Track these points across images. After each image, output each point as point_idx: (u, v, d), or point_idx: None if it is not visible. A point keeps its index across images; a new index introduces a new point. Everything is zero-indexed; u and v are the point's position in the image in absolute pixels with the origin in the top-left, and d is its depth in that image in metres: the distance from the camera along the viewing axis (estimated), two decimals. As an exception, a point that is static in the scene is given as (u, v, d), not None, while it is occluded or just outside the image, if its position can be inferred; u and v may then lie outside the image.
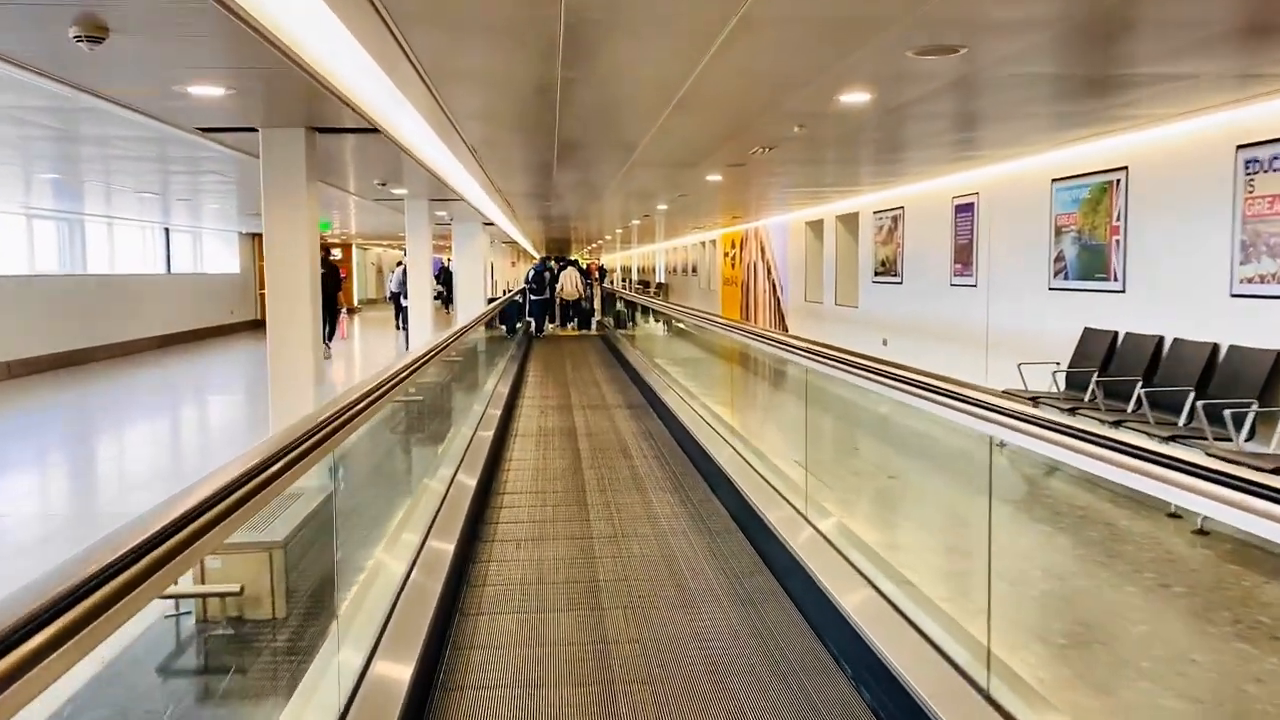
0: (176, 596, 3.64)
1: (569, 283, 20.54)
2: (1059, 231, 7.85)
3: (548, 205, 13.80)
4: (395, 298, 16.85)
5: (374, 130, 5.37)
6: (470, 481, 5.35)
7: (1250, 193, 5.72)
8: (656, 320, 13.88)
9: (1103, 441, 2.22)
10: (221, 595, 3.75)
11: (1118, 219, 7.07)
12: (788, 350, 5.15)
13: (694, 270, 25.82)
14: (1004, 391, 7.87)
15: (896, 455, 7.22)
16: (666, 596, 3.87)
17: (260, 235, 22.06)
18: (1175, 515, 5.01)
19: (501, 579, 4.14)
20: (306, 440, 2.23)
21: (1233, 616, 3.88)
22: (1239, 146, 5.79)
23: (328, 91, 4.34)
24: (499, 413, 8.18)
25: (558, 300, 20.46)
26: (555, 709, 2.94)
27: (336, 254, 28.04)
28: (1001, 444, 6.72)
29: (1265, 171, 5.62)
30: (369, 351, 15.99)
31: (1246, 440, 5.30)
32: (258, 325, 22.10)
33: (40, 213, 13.93)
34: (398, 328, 14.55)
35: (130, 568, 1.14)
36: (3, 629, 0.89)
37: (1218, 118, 6.01)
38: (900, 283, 11.14)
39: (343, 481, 5.38)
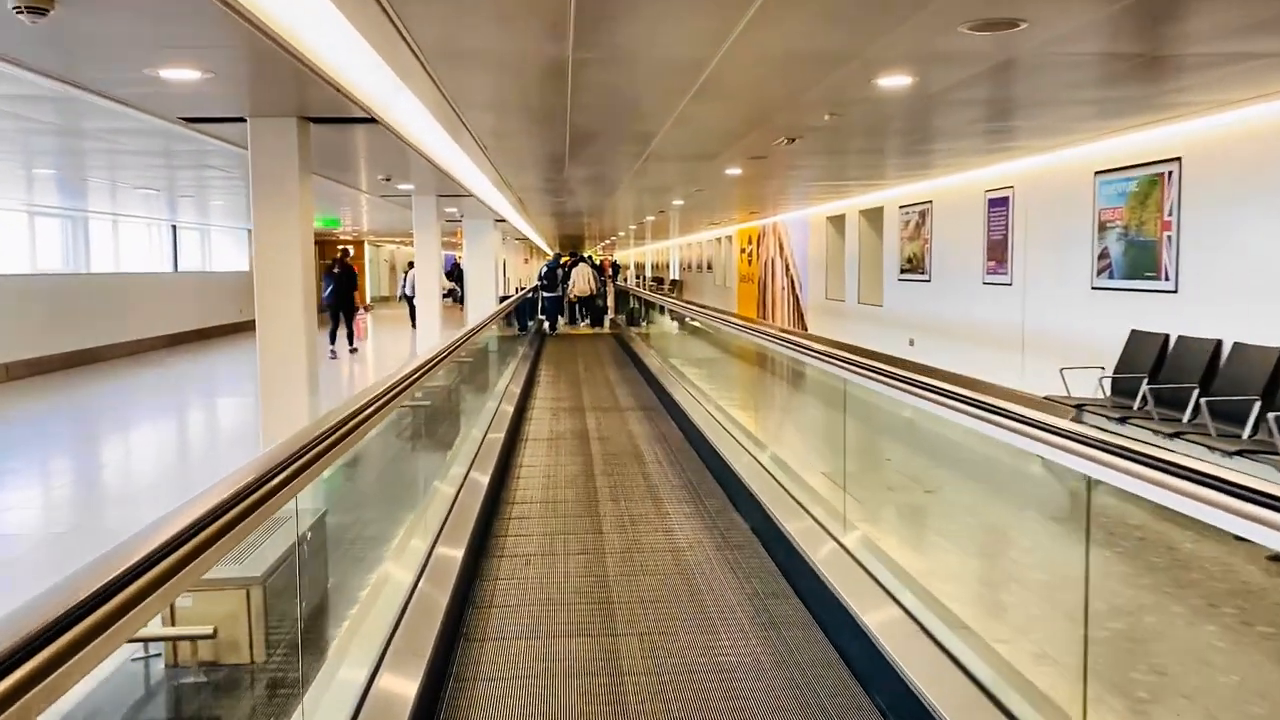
0: (140, 640, 3.28)
1: (581, 279, 20.32)
2: (1103, 227, 7.38)
3: (560, 201, 13.40)
4: (408, 299, 16.61)
5: (371, 120, 4.98)
6: (479, 489, 5.10)
7: (1324, 184, 5.25)
8: (670, 318, 13.55)
9: (1191, 475, 1.83)
10: (192, 639, 3.36)
11: (1169, 214, 6.59)
12: (824, 360, 4.72)
13: (709, 267, 25.38)
14: (1045, 398, 7.42)
15: (932, 466, 6.79)
16: (684, 620, 3.61)
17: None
18: (1243, 537, 4.55)
19: (509, 599, 3.87)
20: (290, 465, 2.00)
21: (1335, 664, 3.44)
22: (1311, 134, 5.32)
23: (318, 77, 3.95)
24: (509, 416, 7.87)
25: (568, 298, 20.20)
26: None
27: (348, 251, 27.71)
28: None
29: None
30: (383, 352, 15.68)
31: (1325, 456, 4.85)
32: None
33: (43, 210, 13.64)
34: (414, 326, 14.38)
35: (85, 619, 1.04)
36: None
37: (1285, 103, 5.55)
38: (928, 280, 10.67)
39: (340, 497, 5.01)
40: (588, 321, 21.25)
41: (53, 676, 0.94)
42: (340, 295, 14.28)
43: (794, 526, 4.40)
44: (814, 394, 7.81)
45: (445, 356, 4.98)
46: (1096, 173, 7.44)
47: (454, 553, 4.05)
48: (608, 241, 33.69)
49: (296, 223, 4.83)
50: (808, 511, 4.56)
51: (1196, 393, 5.84)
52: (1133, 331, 6.92)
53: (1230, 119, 6.04)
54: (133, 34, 3.25)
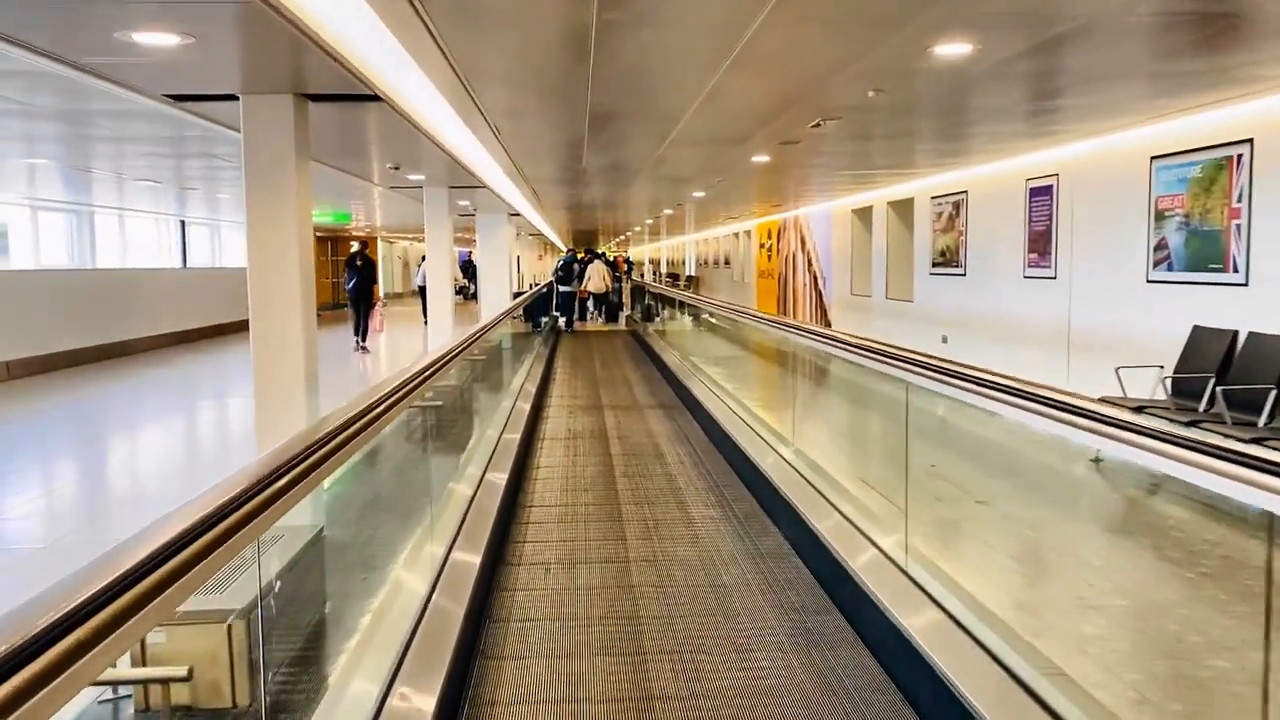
0: (103, 684, 2.88)
1: (596, 275, 20.23)
2: (1160, 216, 6.87)
3: (576, 193, 12.96)
4: (423, 291, 16.40)
5: (375, 98, 4.55)
6: (495, 492, 4.88)
7: None
8: (687, 315, 13.20)
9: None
10: (164, 681, 2.94)
11: (1238, 200, 6.09)
12: (877, 359, 4.26)
13: (726, 262, 24.90)
14: (1101, 399, 6.93)
15: (976, 471, 6.32)
16: (718, 639, 3.35)
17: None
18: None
19: (529, 612, 3.63)
20: (279, 477, 1.75)
21: None
22: None
23: (316, 46, 3.52)
24: (525, 414, 7.56)
25: (580, 295, 20.08)
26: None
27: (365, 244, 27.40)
28: (1098, 459, 5.57)
29: None
30: (396, 346, 15.37)
31: None
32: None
33: (46, 204, 13.31)
34: (425, 322, 14.19)
35: (36, 659, 0.89)
36: None
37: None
38: (963, 274, 10.17)
39: (344, 505, 4.59)
40: (602, 318, 21.09)
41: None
42: (362, 289, 14.42)
43: (832, 533, 4.07)
44: (844, 393, 7.38)
45: (453, 357, 4.56)
46: (1153, 158, 6.93)
47: (470, 560, 3.83)
48: (622, 237, 33.26)
49: (293, 211, 4.40)
50: (847, 519, 4.20)
51: (1276, 394, 5.35)
52: (1195, 328, 6.42)
53: (1311, 95, 5.55)
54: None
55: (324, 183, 11.25)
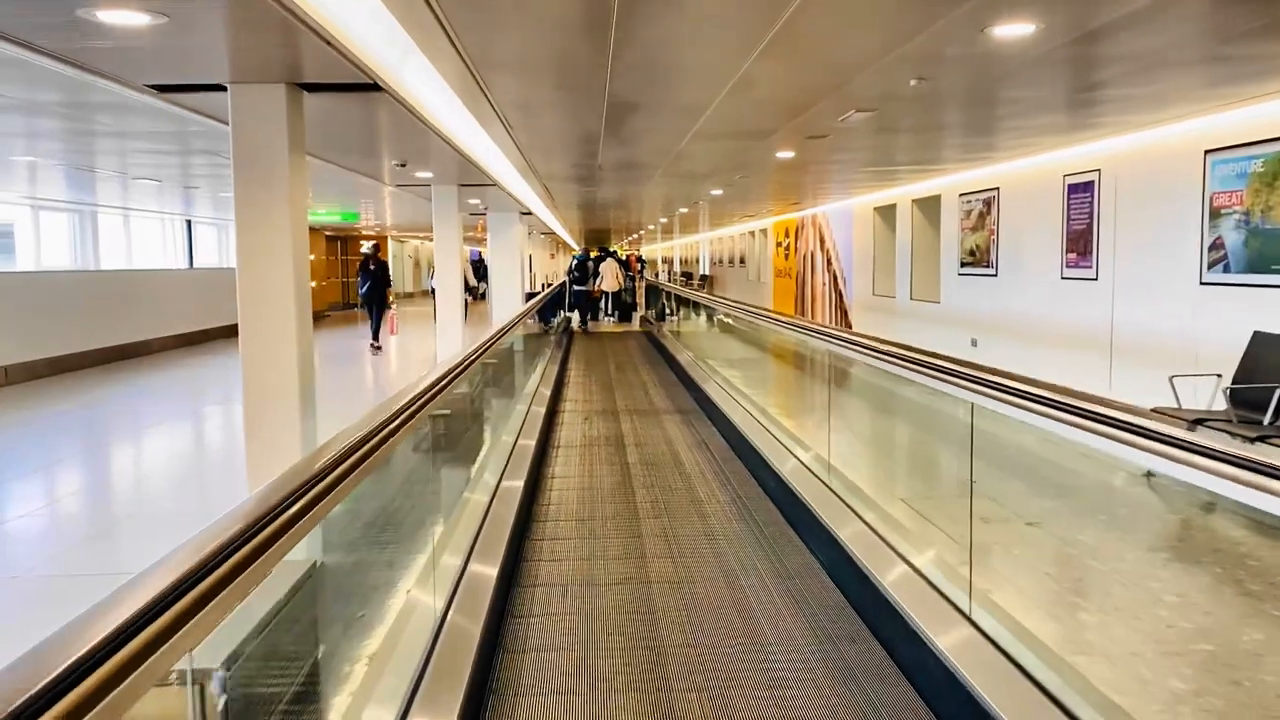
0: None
1: (609, 275, 20.10)
2: (1216, 214, 6.43)
3: (590, 191, 12.57)
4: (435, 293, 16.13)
5: (376, 88, 4.17)
6: (508, 510, 4.67)
7: None
8: (702, 315, 12.87)
9: None
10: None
11: (1306, 196, 5.64)
12: (918, 370, 3.86)
13: (741, 261, 24.46)
14: (1154, 410, 6.51)
15: (1024, 487, 5.91)
16: (748, 670, 3.16)
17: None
18: None
19: (545, 640, 3.44)
20: (260, 529, 1.54)
21: None
22: None
23: (306, 28, 3.14)
24: (539, 422, 7.30)
25: (594, 294, 20.00)
26: None
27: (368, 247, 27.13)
28: (1150, 474, 5.18)
29: None
30: (410, 348, 15.12)
31: None
32: (287, 321, 21.20)
33: (47, 204, 13.02)
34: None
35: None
36: None
37: None
38: (994, 275, 9.73)
39: (345, 526, 4.22)
40: (615, 318, 20.99)
41: None
42: (375, 290, 14.45)
43: (868, 556, 3.80)
44: (874, 401, 6.99)
45: (459, 373, 4.19)
46: (1207, 151, 6.48)
47: (483, 583, 3.62)
48: (634, 236, 32.87)
49: (287, 210, 4.03)
50: (887, 543, 3.91)
51: (1356, 408, 4.92)
52: (1256, 333, 5.98)
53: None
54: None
55: (331, 181, 10.92)
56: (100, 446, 7.96)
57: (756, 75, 4.59)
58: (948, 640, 3.06)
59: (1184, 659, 3.29)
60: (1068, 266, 8.27)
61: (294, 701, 2.99)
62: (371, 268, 14.70)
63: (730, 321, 10.89)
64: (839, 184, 12.06)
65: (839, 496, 4.60)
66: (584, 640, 3.41)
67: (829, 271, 15.94)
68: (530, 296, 15.05)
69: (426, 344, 14.85)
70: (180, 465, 7.33)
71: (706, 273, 30.47)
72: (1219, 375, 6.04)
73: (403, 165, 7.45)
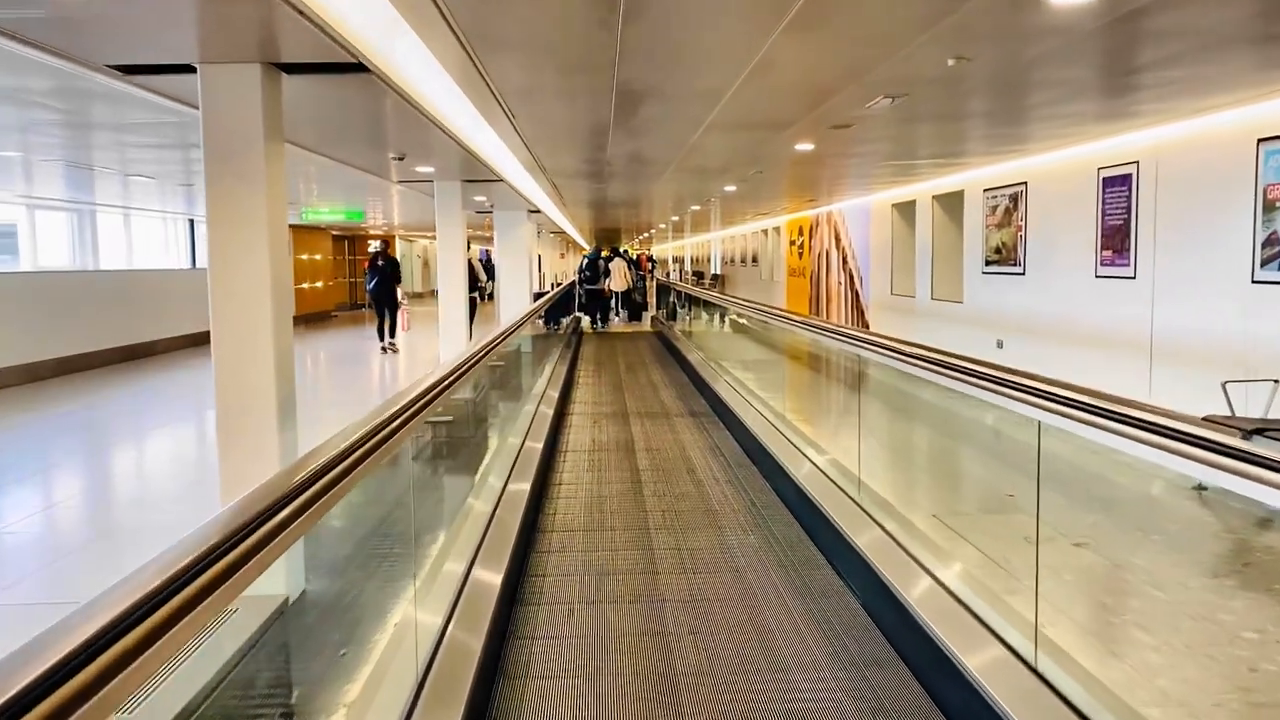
0: None
1: (619, 274, 19.90)
2: (1270, 207, 5.99)
3: (599, 188, 12.19)
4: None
5: (360, 68, 3.79)
6: (514, 514, 4.47)
7: None
8: (714, 315, 12.54)
9: None
10: None
11: (1374, 187, 5.21)
12: (952, 375, 3.46)
13: (754, 260, 24.04)
14: (1205, 418, 6.10)
15: (1063, 501, 5.50)
16: (770, 705, 2.90)
17: (292, 227, 21.05)
18: None
19: (548, 666, 3.20)
20: (227, 550, 1.31)
21: None
22: None
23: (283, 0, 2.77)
24: (546, 424, 7.00)
25: (604, 294, 19.80)
26: None
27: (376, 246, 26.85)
28: (1201, 487, 4.83)
29: None
30: (418, 346, 14.88)
31: None
32: (296, 322, 20.91)
33: (44, 203, 12.72)
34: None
35: None
36: None
37: None
38: (1021, 273, 9.30)
39: (326, 557, 3.90)
40: (624, 317, 20.90)
41: None
42: (385, 288, 14.31)
43: (894, 573, 3.55)
44: (897, 405, 6.60)
45: (457, 379, 3.81)
46: (1261, 140, 6.05)
47: (486, 592, 3.39)
48: (645, 235, 32.49)
49: (262, 203, 3.66)
50: (913, 557, 3.64)
51: None
52: (1315, 335, 5.56)
53: None
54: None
55: (332, 178, 10.57)
56: (86, 454, 7.62)
57: (778, 56, 4.19)
58: (1004, 689, 2.67)
59: (1272, 710, 2.88)
60: (1102, 264, 7.84)
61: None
62: (380, 264, 14.60)
63: (743, 321, 10.56)
64: (857, 180, 11.64)
65: (867, 512, 4.21)
66: (592, 667, 3.18)
67: (844, 270, 15.51)
68: (539, 296, 14.70)
69: (435, 344, 14.56)
70: (166, 477, 6.98)
71: (718, 272, 30.08)
72: (1276, 381, 5.62)
73: (401, 159, 7.08)
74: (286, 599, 3.32)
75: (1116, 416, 2.33)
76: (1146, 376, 7.21)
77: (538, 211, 14.80)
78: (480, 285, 15.17)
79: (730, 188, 12.25)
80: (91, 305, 12.15)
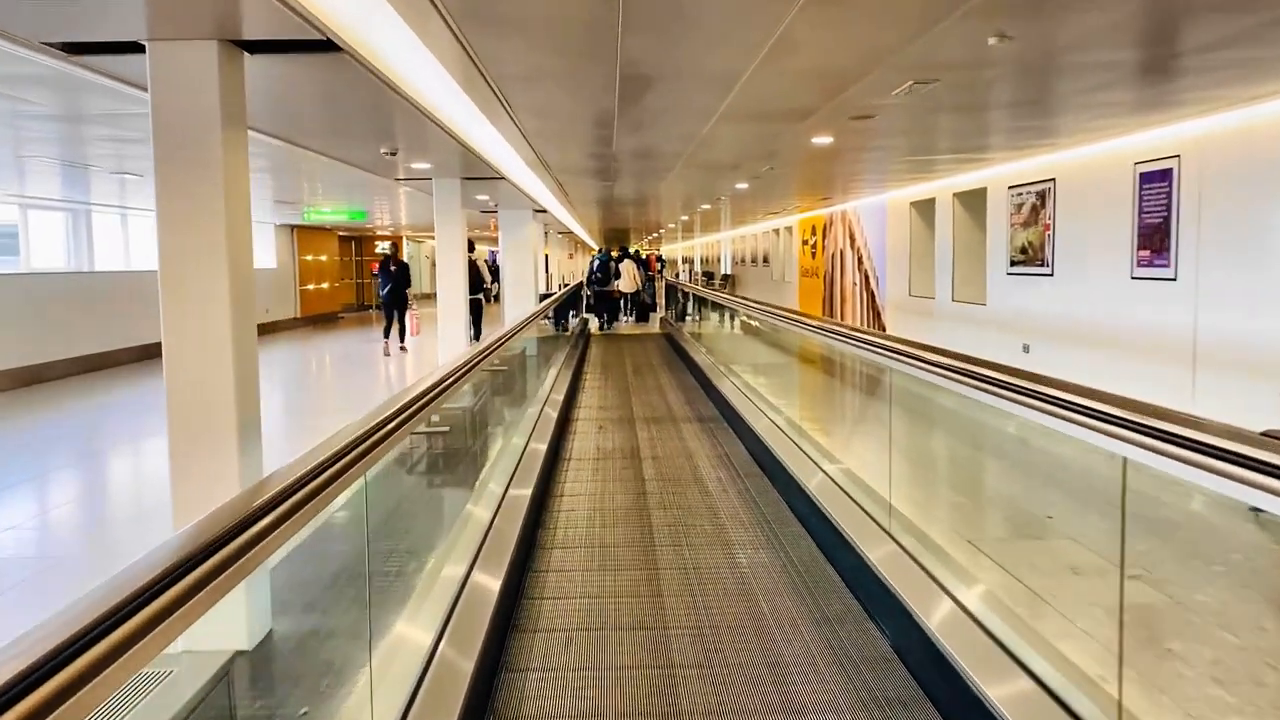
0: None
1: (627, 275, 19.69)
2: (1331, 202, 5.53)
3: (606, 187, 11.77)
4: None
5: (331, 46, 3.38)
6: (512, 523, 4.25)
7: None
8: (724, 317, 12.17)
9: None
10: None
11: None
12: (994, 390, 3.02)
13: (765, 260, 23.59)
14: (1265, 433, 5.64)
15: (1105, 524, 5.04)
16: None
17: (297, 228, 20.72)
18: None
19: (542, 707, 2.92)
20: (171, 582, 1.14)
21: None
22: None
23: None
24: (549, 431, 6.70)
25: (613, 294, 19.67)
26: None
27: (385, 247, 26.55)
28: (1256, 510, 4.26)
29: None
30: (427, 348, 14.55)
31: None
32: (297, 325, 20.62)
33: (37, 203, 12.38)
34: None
35: None
36: None
37: None
38: (1049, 274, 8.83)
39: (298, 586, 3.50)
40: (633, 318, 20.74)
41: None
42: (396, 292, 14.36)
43: (918, 599, 3.13)
44: (915, 409, 6.16)
45: (446, 388, 3.41)
46: (1320, 130, 5.59)
47: (478, 617, 3.13)
48: (654, 235, 32.07)
49: (220, 199, 3.25)
50: (947, 591, 3.17)
51: None
52: (1384, 343, 5.09)
53: None
54: None
55: (330, 177, 10.19)
56: (66, 467, 7.25)
57: (800, 35, 3.76)
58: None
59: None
60: (1139, 265, 7.37)
61: None
62: (392, 268, 14.63)
63: (754, 323, 10.18)
64: (873, 177, 11.19)
65: (895, 539, 3.77)
66: (591, 706, 2.93)
67: (860, 271, 15.05)
68: (545, 298, 14.32)
69: (452, 344, 14.28)
70: (137, 492, 6.59)
71: (728, 272, 29.64)
72: (1339, 392, 5.16)
73: (392, 154, 6.66)
74: (232, 655, 2.91)
75: (1171, 437, 2.00)
76: (1189, 385, 6.75)
77: (544, 211, 14.42)
78: (485, 287, 14.85)
79: (742, 185, 11.81)
80: (87, 307, 11.81)
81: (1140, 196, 7.34)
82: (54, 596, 4.07)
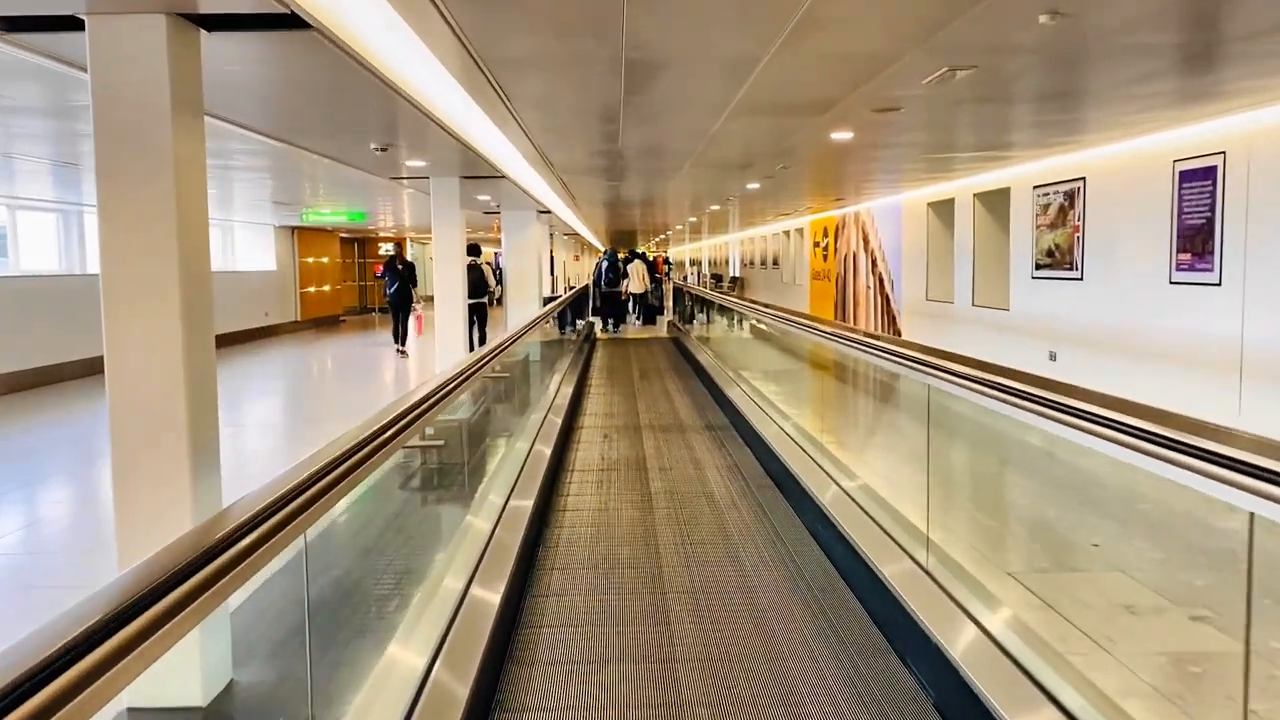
0: None
1: (636, 277, 19.70)
2: (1399, 201, 5.09)
3: (612, 186, 11.36)
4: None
5: (296, 21, 2.98)
6: (514, 537, 4.06)
7: None
8: (733, 321, 11.83)
9: None
10: None
11: None
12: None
13: (775, 263, 23.17)
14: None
15: (1154, 550, 4.61)
16: None
17: (298, 229, 20.38)
18: None
19: None
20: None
21: None
22: None
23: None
24: (553, 438, 6.46)
25: (622, 295, 19.45)
26: None
27: (390, 249, 26.22)
28: None
29: None
30: (427, 354, 14.30)
31: None
32: (298, 327, 20.27)
33: (26, 203, 12.03)
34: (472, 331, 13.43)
35: None
36: None
37: None
38: (1078, 277, 8.39)
39: (270, 625, 3.11)
40: (640, 321, 20.58)
41: None
42: (402, 293, 14.31)
43: (946, 632, 2.84)
44: (940, 424, 5.73)
45: (434, 403, 3.02)
46: (1386, 123, 5.15)
47: (472, 646, 2.92)
48: (661, 237, 31.68)
49: (171, 193, 2.85)
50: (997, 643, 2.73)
51: None
52: None
53: None
54: None
55: (328, 177, 9.82)
56: (44, 481, 6.88)
57: (827, 11, 3.34)
58: None
59: None
60: (1178, 269, 6.93)
61: None
62: (399, 268, 14.50)
63: (763, 327, 9.82)
64: (889, 176, 10.76)
65: (932, 576, 3.35)
66: None
67: (874, 274, 14.62)
68: (549, 301, 13.95)
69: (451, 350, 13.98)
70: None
71: (736, 274, 29.23)
72: None
73: (383, 150, 6.24)
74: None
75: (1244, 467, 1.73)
76: (1235, 396, 6.31)
77: (548, 212, 14.04)
78: (490, 289, 14.52)
79: (753, 185, 11.39)
80: (70, 311, 11.47)
81: (1180, 196, 6.90)
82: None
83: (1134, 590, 3.99)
